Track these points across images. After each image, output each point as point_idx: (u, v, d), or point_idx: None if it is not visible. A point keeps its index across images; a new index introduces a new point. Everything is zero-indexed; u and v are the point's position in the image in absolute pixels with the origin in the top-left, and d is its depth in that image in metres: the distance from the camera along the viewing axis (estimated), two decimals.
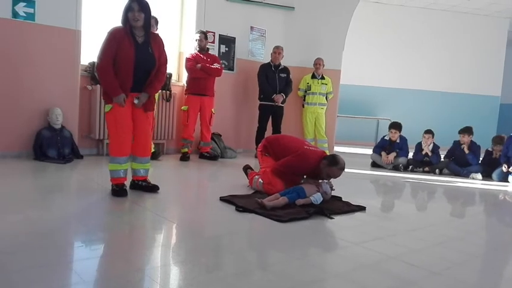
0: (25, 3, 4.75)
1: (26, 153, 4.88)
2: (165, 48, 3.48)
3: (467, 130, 6.34)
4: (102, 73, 3.23)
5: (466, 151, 6.27)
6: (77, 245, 2.33)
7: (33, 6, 4.80)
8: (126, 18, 3.24)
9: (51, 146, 4.85)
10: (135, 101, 3.30)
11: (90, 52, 5.39)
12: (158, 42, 3.41)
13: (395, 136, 6.58)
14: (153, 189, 3.54)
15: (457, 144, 6.44)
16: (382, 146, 6.66)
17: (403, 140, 6.62)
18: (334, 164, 3.51)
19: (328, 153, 3.94)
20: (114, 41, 3.18)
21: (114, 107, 3.23)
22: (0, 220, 2.55)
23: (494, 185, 5.65)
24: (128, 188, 3.44)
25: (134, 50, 3.22)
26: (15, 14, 4.72)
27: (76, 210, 3.00)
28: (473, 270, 2.34)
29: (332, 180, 3.64)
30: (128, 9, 3.22)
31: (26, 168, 4.43)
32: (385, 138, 6.73)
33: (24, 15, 4.77)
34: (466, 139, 6.32)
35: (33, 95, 4.92)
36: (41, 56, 4.94)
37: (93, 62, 5.38)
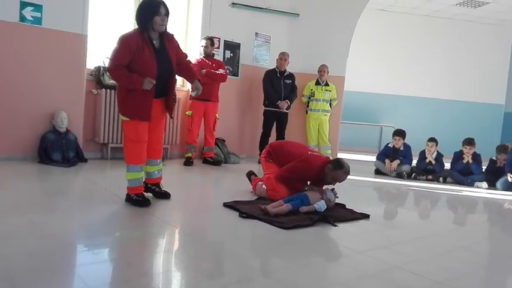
0: (32, 8, 4.79)
1: (31, 156, 4.90)
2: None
3: (472, 142, 6.34)
4: (116, 72, 3.07)
5: (470, 161, 6.26)
6: (80, 249, 2.33)
7: (40, 10, 4.84)
8: (147, 23, 3.09)
9: (55, 150, 4.87)
10: (193, 94, 3.45)
11: (96, 56, 5.43)
12: (173, 42, 3.32)
13: (399, 143, 6.57)
14: (165, 196, 3.51)
15: (458, 155, 6.43)
16: (386, 154, 6.63)
17: (407, 147, 6.60)
18: (339, 168, 3.51)
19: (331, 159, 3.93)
20: (129, 51, 3.03)
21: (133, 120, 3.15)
22: (5, 223, 2.56)
23: (498, 194, 5.61)
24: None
25: (155, 59, 3.11)
26: (22, 18, 4.75)
27: (80, 214, 3.00)
28: (478, 280, 2.32)
29: (336, 187, 3.64)
30: (154, 13, 3.06)
31: (31, 171, 4.45)
32: (389, 145, 6.71)
33: (32, 19, 4.81)
34: (471, 151, 6.30)
35: (38, 98, 4.94)
36: (47, 59, 4.97)
37: (99, 67, 5.41)
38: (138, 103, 3.12)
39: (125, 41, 3.06)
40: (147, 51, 3.09)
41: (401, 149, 6.55)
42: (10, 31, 4.70)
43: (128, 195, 3.28)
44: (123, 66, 3.06)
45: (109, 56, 3.13)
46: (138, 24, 3.14)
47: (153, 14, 3.07)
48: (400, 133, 6.62)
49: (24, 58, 4.83)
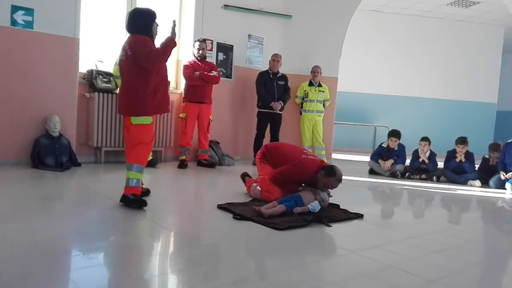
0: (24, 12, 4.76)
1: (24, 160, 4.87)
2: None
3: (464, 141, 6.36)
4: (159, 53, 3.23)
5: (463, 160, 6.29)
6: (74, 253, 2.33)
7: (31, 14, 4.81)
8: (151, 29, 3.32)
9: (49, 154, 4.84)
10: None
11: (88, 60, 5.42)
12: None
13: (394, 144, 6.58)
14: (147, 193, 3.57)
15: (451, 154, 6.46)
16: (380, 153, 6.66)
17: (401, 147, 6.63)
18: (331, 175, 3.51)
19: (326, 161, 3.93)
20: (153, 44, 3.30)
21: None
22: None
23: (491, 192, 5.65)
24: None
25: None
26: (13, 22, 4.73)
27: (74, 218, 2.99)
28: (471, 278, 2.34)
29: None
30: (155, 19, 3.34)
31: (24, 176, 4.43)
32: (383, 145, 6.74)
33: (23, 23, 4.78)
34: (464, 150, 6.33)
35: (31, 102, 4.92)
36: (40, 63, 4.95)
37: (92, 70, 5.38)
38: (165, 96, 3.35)
39: (147, 39, 3.26)
40: None
41: (395, 148, 6.59)
42: (1, 35, 4.67)
43: (124, 195, 3.23)
44: None
45: (141, 52, 3.18)
46: (144, 29, 3.29)
47: (153, 20, 3.34)
48: (396, 134, 6.63)
49: (16, 62, 4.80)
